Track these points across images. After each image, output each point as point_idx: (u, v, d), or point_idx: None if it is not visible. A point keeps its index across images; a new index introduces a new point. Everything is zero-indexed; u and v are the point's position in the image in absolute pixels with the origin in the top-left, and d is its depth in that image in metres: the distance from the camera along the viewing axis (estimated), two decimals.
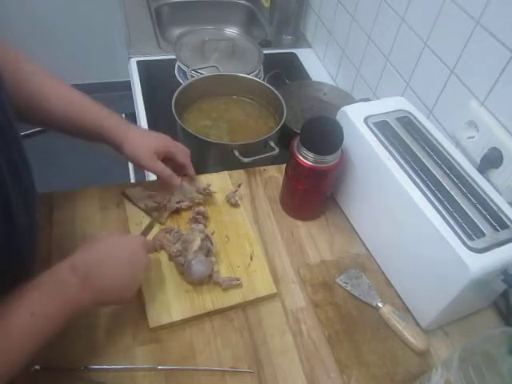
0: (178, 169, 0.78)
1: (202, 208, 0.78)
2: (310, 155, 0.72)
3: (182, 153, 0.78)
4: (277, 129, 0.95)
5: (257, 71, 1.17)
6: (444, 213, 0.63)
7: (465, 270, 0.57)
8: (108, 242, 0.59)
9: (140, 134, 0.74)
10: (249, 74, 1.08)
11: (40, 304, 0.49)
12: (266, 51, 1.25)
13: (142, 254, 0.61)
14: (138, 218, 0.77)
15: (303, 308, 0.70)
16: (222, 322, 0.66)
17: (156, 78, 1.26)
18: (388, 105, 0.78)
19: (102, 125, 0.71)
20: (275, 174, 0.91)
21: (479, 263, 0.57)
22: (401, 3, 0.96)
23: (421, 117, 0.77)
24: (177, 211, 0.79)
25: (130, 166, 1.26)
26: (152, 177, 0.93)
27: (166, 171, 0.74)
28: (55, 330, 0.50)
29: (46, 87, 0.68)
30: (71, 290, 0.52)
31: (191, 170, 0.80)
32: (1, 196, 0.49)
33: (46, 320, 0.49)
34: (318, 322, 0.69)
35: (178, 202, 0.78)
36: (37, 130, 1.83)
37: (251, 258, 0.74)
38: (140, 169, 0.76)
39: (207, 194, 0.80)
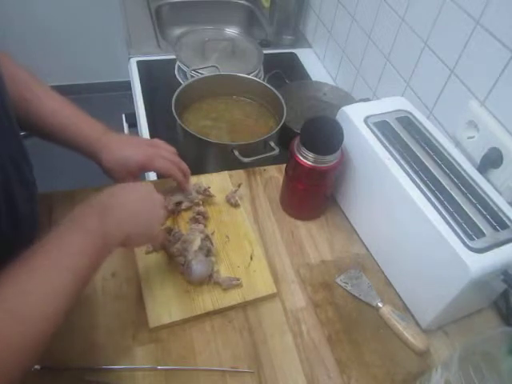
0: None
1: (202, 208, 0.78)
2: (310, 155, 0.72)
3: (163, 169, 0.74)
4: (277, 129, 0.95)
5: (257, 71, 1.17)
6: (444, 213, 0.63)
7: (465, 270, 0.57)
8: (120, 186, 0.59)
9: (115, 153, 0.70)
10: (249, 74, 1.08)
11: (63, 238, 0.48)
12: (265, 51, 1.25)
13: (157, 197, 0.62)
14: None
15: (303, 308, 0.70)
16: (222, 322, 0.66)
17: (156, 78, 1.26)
18: (388, 105, 0.78)
19: (76, 142, 0.69)
20: (275, 174, 0.91)
21: (479, 263, 0.57)
22: (401, 3, 0.96)
23: (421, 117, 0.77)
24: (177, 211, 0.79)
25: None
26: (152, 177, 0.93)
27: None
28: (92, 264, 0.49)
29: (33, 91, 0.67)
30: (91, 218, 0.51)
31: (183, 172, 0.77)
32: (4, 185, 0.49)
33: (76, 255, 0.48)
34: (318, 321, 0.69)
35: (177, 203, 0.78)
36: None
37: (251, 258, 0.74)
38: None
39: (207, 196, 0.80)
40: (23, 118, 0.64)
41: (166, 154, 0.75)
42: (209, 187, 0.81)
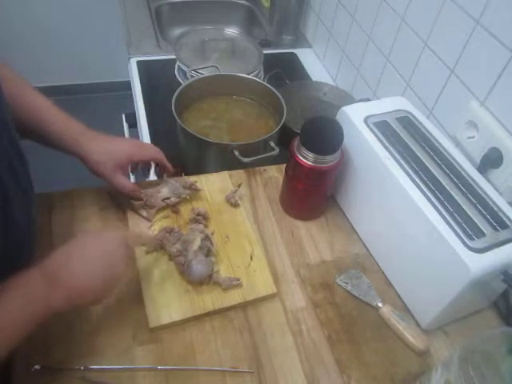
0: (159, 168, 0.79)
1: (202, 209, 0.77)
2: (310, 155, 0.72)
3: (151, 156, 0.76)
4: (277, 129, 0.95)
5: (257, 71, 1.17)
6: (444, 213, 0.63)
7: (465, 270, 0.57)
8: (81, 243, 0.57)
9: (103, 146, 0.71)
10: (249, 74, 1.08)
11: (9, 309, 0.48)
12: (266, 51, 1.25)
13: (119, 252, 0.58)
14: (138, 219, 0.77)
15: (303, 308, 0.70)
16: (221, 322, 0.66)
17: (156, 78, 1.26)
18: (388, 105, 0.78)
19: (63, 137, 0.68)
20: (275, 174, 0.91)
21: (479, 263, 0.57)
22: (401, 3, 0.96)
23: (421, 117, 0.77)
24: (176, 210, 0.79)
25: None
26: (152, 177, 0.93)
27: (127, 187, 0.74)
28: (27, 332, 0.49)
29: (16, 94, 0.66)
30: (40, 293, 0.51)
31: (167, 166, 0.79)
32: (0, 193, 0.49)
33: (16, 324, 0.48)
34: (318, 321, 0.69)
35: (164, 199, 0.78)
36: None
37: (251, 258, 0.74)
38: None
39: (194, 190, 0.81)
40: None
41: (149, 145, 0.78)
42: (195, 181, 0.81)
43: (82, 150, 0.69)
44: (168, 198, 0.78)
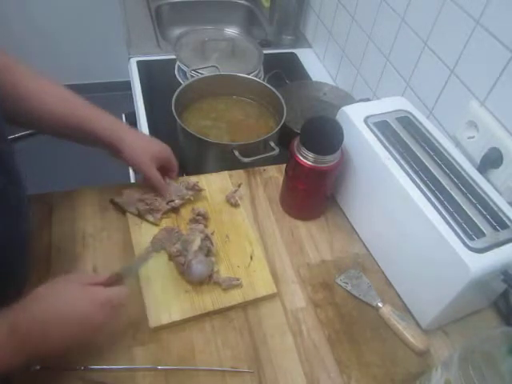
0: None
1: (202, 209, 0.77)
2: (310, 155, 0.72)
3: (175, 162, 0.79)
4: (277, 129, 0.95)
5: (257, 71, 1.17)
6: (444, 213, 0.63)
7: (465, 270, 0.57)
8: (62, 294, 0.52)
9: (139, 138, 0.73)
10: (249, 74, 1.08)
11: None
12: (266, 51, 1.25)
13: (99, 314, 0.52)
14: (138, 219, 0.77)
15: (303, 308, 0.70)
16: (222, 322, 0.66)
17: (156, 78, 1.26)
18: (388, 105, 0.78)
19: (98, 127, 0.69)
20: (275, 174, 0.91)
21: (479, 263, 0.57)
22: (401, 3, 0.96)
23: (421, 117, 0.77)
24: (176, 210, 0.79)
25: None
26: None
27: (161, 182, 0.75)
28: None
29: (42, 90, 0.67)
30: (5, 354, 0.48)
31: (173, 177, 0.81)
32: None
33: None
34: (318, 321, 0.69)
35: (169, 202, 0.78)
36: None
37: (251, 258, 0.74)
38: (138, 172, 0.76)
39: (196, 191, 0.81)
40: (25, 113, 0.64)
41: None
42: (197, 182, 0.81)
43: (117, 135, 0.70)
44: (172, 201, 0.78)
